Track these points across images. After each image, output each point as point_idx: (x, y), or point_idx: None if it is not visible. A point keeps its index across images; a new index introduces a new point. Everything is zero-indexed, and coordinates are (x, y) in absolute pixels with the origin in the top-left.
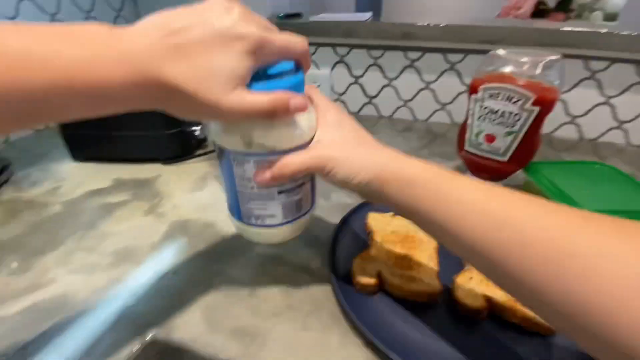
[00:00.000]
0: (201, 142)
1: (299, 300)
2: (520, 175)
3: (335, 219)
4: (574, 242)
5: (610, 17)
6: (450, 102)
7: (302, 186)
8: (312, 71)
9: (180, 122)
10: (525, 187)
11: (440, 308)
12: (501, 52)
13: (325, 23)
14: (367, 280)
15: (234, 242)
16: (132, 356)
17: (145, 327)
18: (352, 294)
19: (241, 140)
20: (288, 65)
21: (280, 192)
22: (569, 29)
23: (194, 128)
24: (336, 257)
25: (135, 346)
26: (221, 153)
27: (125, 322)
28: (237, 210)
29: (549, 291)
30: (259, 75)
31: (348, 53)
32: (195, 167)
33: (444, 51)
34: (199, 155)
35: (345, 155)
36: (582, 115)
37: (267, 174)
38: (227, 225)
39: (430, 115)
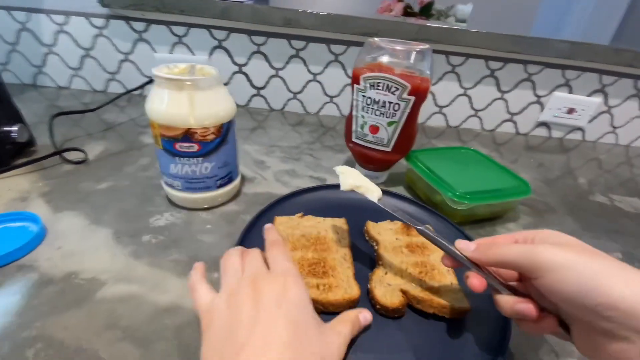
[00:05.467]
0: (22, 148)
1: None
2: (402, 163)
3: (225, 229)
4: None
5: (461, 21)
6: (338, 95)
7: None
8: (186, 57)
9: None
10: (408, 174)
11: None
12: (377, 40)
13: (197, 0)
14: None
15: (73, 291)
16: None
17: None
18: None
19: None
20: None
21: None
22: (438, 25)
23: (7, 128)
24: None
25: None
26: None
27: None
28: None
29: None
30: None
31: (227, 37)
32: (11, 184)
33: (327, 42)
34: (19, 166)
35: (576, 262)
36: (446, 106)
37: (475, 251)
38: (65, 266)
39: (321, 108)
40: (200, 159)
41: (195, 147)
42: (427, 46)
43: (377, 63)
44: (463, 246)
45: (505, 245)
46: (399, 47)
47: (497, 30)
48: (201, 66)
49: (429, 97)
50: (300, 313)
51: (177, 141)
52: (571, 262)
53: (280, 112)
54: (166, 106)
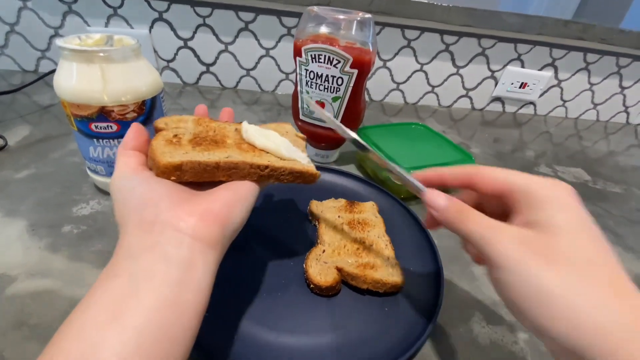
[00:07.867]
0: None
1: None
2: None
3: None
4: None
5: None
6: (292, 72)
7: None
8: (125, 30)
9: None
10: (358, 152)
11: (295, 288)
12: (315, 8)
13: None
14: None
15: None
16: None
17: None
18: None
19: None
20: None
21: None
22: None
23: None
24: None
25: None
26: None
27: None
28: None
29: None
30: None
31: (168, 9)
32: None
33: (277, 13)
34: None
35: (525, 267)
36: (404, 82)
37: (444, 210)
38: None
39: (277, 86)
40: (121, 140)
41: (114, 127)
42: (368, 15)
43: (318, 34)
44: (432, 198)
45: (473, 219)
46: (339, 16)
47: (463, 5)
48: (120, 37)
49: (387, 73)
50: (113, 194)
51: (92, 121)
52: (519, 265)
53: (233, 90)
54: (75, 82)
